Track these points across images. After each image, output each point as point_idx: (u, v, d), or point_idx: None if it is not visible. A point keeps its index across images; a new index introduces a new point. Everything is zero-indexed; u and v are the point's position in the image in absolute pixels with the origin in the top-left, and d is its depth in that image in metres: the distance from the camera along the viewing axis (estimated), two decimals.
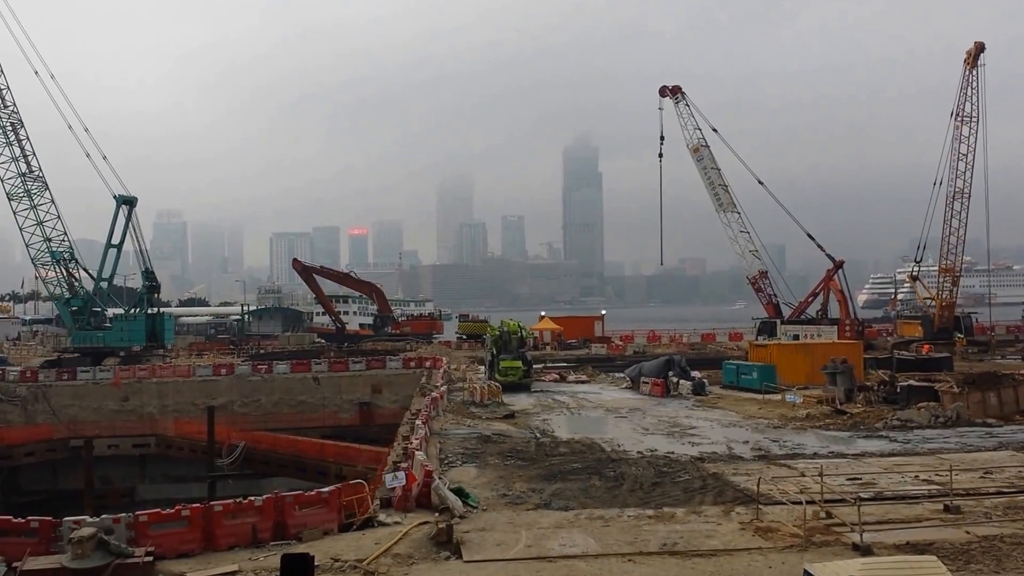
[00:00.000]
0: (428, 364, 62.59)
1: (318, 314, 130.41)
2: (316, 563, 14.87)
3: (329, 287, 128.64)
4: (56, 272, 70.32)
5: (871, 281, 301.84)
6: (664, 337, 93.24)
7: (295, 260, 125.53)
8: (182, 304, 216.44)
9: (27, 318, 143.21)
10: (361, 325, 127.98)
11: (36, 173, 68.90)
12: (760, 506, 19.28)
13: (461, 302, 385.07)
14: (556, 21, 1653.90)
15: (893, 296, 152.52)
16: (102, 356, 70.83)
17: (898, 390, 38.37)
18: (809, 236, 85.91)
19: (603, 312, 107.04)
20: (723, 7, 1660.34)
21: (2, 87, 67.89)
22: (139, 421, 56.90)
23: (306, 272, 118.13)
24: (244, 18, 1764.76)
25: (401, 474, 20.86)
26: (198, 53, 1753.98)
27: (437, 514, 18.96)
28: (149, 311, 73.52)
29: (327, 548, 16.96)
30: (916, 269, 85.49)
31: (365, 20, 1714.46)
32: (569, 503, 20.81)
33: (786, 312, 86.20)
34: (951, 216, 74.72)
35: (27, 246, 69.64)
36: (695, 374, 47.76)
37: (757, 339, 71.23)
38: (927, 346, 70.40)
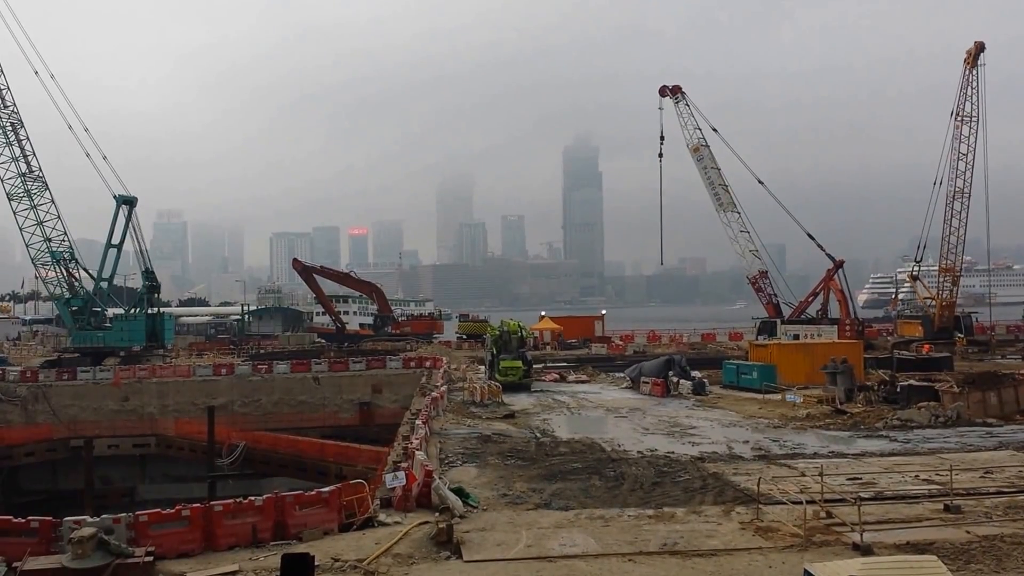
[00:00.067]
0: (428, 364, 62.59)
1: (318, 314, 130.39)
2: (316, 563, 14.87)
3: (329, 287, 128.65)
4: (56, 272, 70.35)
5: (871, 281, 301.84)
6: (664, 337, 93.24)
7: (295, 260, 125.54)
8: (182, 304, 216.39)
9: (27, 318, 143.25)
10: (361, 325, 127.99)
11: (36, 173, 68.95)
12: (760, 506, 19.28)
13: (461, 302, 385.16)
14: (556, 21, 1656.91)
15: (894, 296, 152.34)
16: (102, 356, 70.84)
17: (898, 390, 38.36)
18: (809, 236, 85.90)
19: (603, 312, 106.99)
20: (723, 7, 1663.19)
21: (2, 87, 67.96)
22: (139, 421, 56.91)
23: (306, 272, 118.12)
24: (244, 18, 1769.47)
25: (401, 474, 20.86)
26: (198, 53, 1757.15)
27: (437, 514, 18.96)
28: (149, 311, 73.57)
29: (327, 548, 16.96)
30: (916, 269, 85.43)
31: (365, 20, 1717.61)
32: (569, 503, 20.81)
33: (786, 312, 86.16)
34: (951, 216, 74.71)
35: (27, 246, 69.69)
36: (695, 374, 47.74)
37: (757, 339, 71.23)
38: (927, 346, 70.37)
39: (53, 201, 69.39)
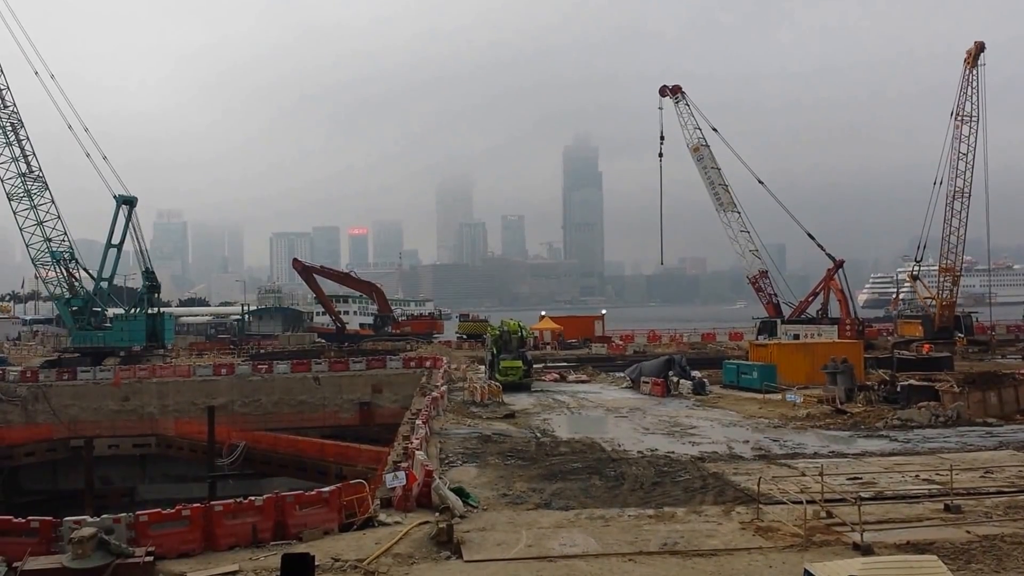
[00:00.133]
0: (428, 364, 62.56)
1: (318, 314, 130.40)
2: (316, 563, 14.87)
3: (329, 287, 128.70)
4: (56, 272, 70.35)
5: (871, 281, 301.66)
6: (664, 337, 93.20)
7: (295, 260, 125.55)
8: (182, 304, 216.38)
9: (27, 318, 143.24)
10: (361, 325, 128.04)
11: (36, 173, 68.94)
12: (760, 506, 19.28)
13: (461, 302, 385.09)
14: (556, 22, 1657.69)
15: (895, 295, 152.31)
16: (102, 356, 70.81)
17: (898, 389, 38.34)
18: (809, 236, 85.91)
19: (603, 312, 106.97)
20: (723, 7, 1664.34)
21: (2, 87, 67.96)
22: (139, 421, 56.90)
23: (306, 272, 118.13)
24: (244, 19, 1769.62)
25: (401, 474, 20.86)
26: (199, 54, 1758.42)
27: (437, 514, 18.95)
28: (149, 311, 73.57)
29: (327, 548, 16.96)
30: (916, 269, 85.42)
31: (365, 21, 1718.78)
32: (569, 503, 20.81)
33: (786, 312, 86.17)
34: (951, 216, 74.70)
35: (27, 246, 69.68)
36: (695, 374, 47.71)
37: (757, 339, 71.28)
38: (927, 345, 70.38)
39: (53, 201, 69.47)
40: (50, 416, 56.72)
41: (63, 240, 69.76)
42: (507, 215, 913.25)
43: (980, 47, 74.21)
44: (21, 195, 68.40)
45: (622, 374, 53.86)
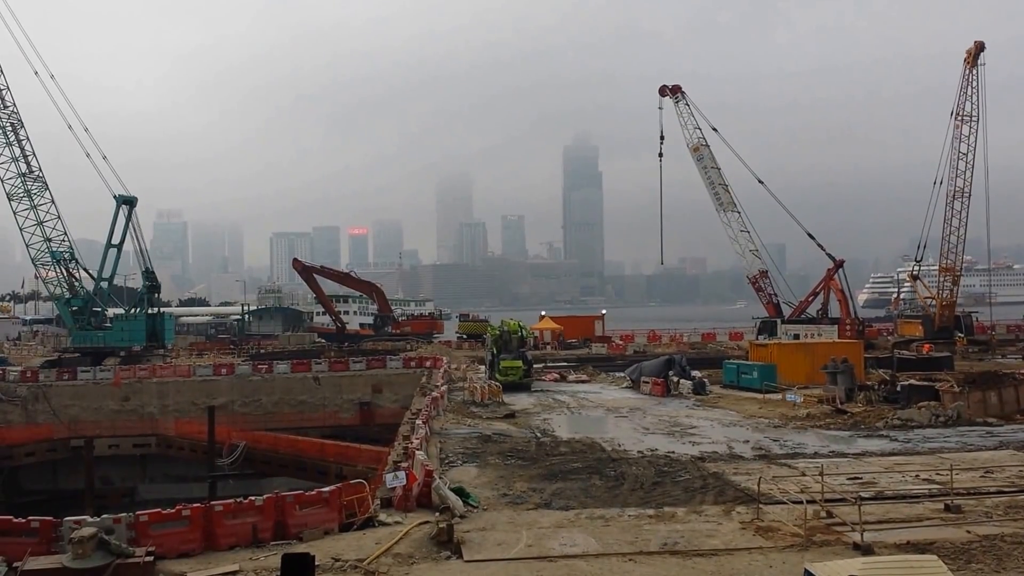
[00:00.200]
0: (428, 364, 62.56)
1: (318, 314, 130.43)
2: (317, 563, 14.85)
3: (329, 287, 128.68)
4: (56, 272, 70.37)
5: (871, 280, 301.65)
6: (664, 337, 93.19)
7: (295, 260, 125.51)
8: (182, 304, 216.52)
9: (27, 318, 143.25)
10: (361, 325, 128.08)
11: (36, 173, 68.96)
12: (761, 505, 19.28)
13: (461, 302, 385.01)
14: (554, 22, 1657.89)
15: (896, 295, 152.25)
16: (102, 356, 70.83)
17: (899, 389, 38.34)
18: (809, 235, 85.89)
19: (603, 312, 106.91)
20: (721, 8, 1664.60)
21: (2, 87, 67.96)
22: (140, 421, 56.90)
23: (306, 272, 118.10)
24: (241, 19, 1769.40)
25: (402, 474, 20.86)
26: (196, 54, 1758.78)
27: (438, 514, 18.95)
28: (149, 311, 73.59)
29: (328, 548, 16.96)
30: (916, 268, 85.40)
31: (363, 21, 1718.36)
32: (570, 503, 20.81)
33: (786, 311, 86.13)
34: (951, 215, 74.69)
35: (27, 246, 69.71)
36: (695, 374, 47.73)
37: (757, 338, 71.26)
38: (927, 345, 70.37)
39: (53, 201, 69.49)
40: (50, 416, 56.72)
41: (63, 240, 69.80)
42: (507, 215, 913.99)
43: (980, 47, 74.20)
44: (21, 195, 68.43)
45: (622, 374, 53.86)
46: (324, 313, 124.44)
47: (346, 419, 58.71)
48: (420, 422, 30.32)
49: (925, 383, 39.47)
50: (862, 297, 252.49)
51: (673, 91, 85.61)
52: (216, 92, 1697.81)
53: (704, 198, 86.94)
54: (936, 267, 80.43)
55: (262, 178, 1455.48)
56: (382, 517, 19.24)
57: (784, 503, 19.06)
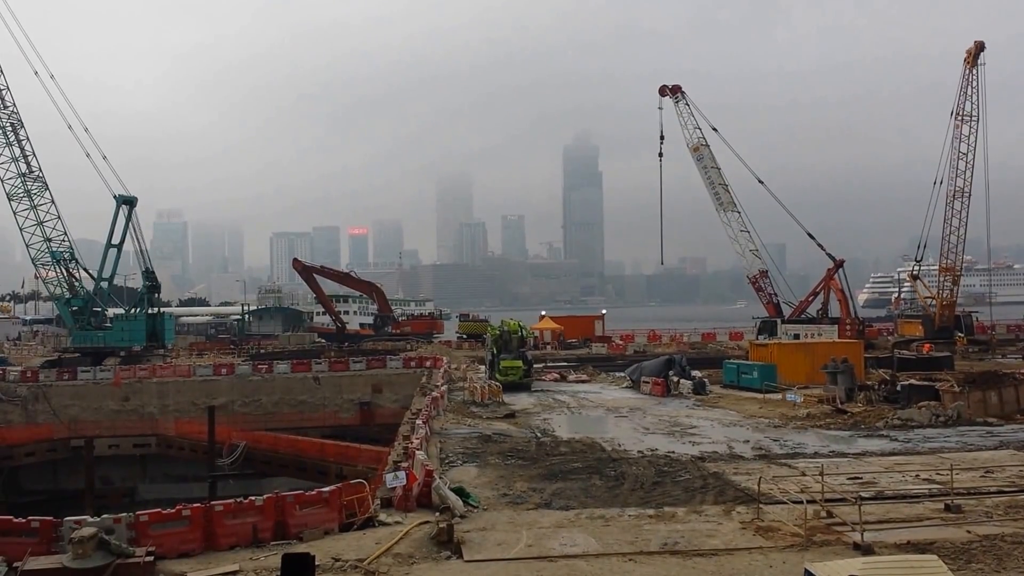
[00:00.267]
0: (428, 364, 62.57)
1: (318, 314, 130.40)
2: (317, 563, 14.86)
3: (329, 287, 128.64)
4: (56, 272, 70.36)
5: (871, 280, 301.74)
6: (664, 336, 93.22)
7: (295, 260, 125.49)
8: (182, 304, 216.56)
9: (27, 318, 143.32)
10: (361, 325, 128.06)
11: (36, 173, 68.95)
12: (761, 505, 19.28)
13: (461, 302, 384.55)
14: (554, 21, 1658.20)
15: (897, 295, 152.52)
16: (102, 356, 70.84)
17: (899, 389, 38.34)
18: (809, 235, 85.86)
19: (603, 311, 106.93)
20: (721, 7, 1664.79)
21: (2, 87, 67.95)
22: (140, 421, 56.92)
23: (306, 272, 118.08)
24: (240, 18, 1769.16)
25: (402, 474, 20.86)
26: (195, 53, 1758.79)
27: (438, 514, 18.95)
28: (149, 311, 73.56)
29: (328, 548, 16.95)
30: (916, 268, 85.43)
31: (363, 20, 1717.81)
32: (570, 503, 20.81)
33: (786, 311, 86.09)
34: (951, 215, 74.71)
35: (27, 246, 69.70)
36: (695, 373, 47.74)
37: (757, 338, 71.23)
38: (928, 345, 70.37)
39: (53, 201, 69.47)
40: (50, 416, 56.74)
41: (63, 240, 69.79)
42: (507, 215, 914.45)
43: (980, 46, 74.20)
44: (21, 195, 68.42)
45: (622, 374, 53.86)
46: (324, 313, 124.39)
47: (346, 419, 58.72)
48: (420, 422, 30.32)
49: (925, 383, 39.47)
50: (862, 297, 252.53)
51: (673, 91, 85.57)
52: (216, 91, 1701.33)
53: (704, 198, 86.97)
54: (936, 267, 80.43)
55: (262, 178, 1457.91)
56: (382, 517, 19.24)
57: (784, 503, 19.05)
